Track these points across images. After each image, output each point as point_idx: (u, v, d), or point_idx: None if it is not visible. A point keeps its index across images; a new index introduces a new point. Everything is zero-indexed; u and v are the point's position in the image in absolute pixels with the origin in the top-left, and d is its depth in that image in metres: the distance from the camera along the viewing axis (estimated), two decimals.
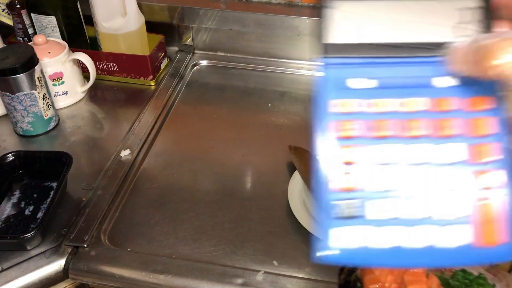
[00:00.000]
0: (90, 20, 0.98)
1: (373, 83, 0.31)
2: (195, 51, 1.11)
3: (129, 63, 0.99)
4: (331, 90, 0.31)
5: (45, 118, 0.88)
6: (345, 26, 0.32)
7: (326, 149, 0.30)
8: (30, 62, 0.81)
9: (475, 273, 0.53)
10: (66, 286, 0.69)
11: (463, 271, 0.53)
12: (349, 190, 0.30)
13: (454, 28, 0.31)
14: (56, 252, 0.67)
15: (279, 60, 1.07)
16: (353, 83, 0.31)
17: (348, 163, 0.30)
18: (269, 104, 0.97)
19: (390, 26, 0.31)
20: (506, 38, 0.25)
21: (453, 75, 0.30)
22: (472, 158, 0.30)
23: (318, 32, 0.32)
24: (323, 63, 0.32)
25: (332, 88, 0.31)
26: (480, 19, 0.30)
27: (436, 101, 0.30)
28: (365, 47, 0.32)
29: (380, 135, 0.30)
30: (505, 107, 0.28)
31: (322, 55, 0.32)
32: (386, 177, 0.30)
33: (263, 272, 0.64)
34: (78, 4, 0.97)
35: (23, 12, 0.95)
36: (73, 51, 0.93)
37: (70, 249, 0.68)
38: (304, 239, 0.69)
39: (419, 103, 0.30)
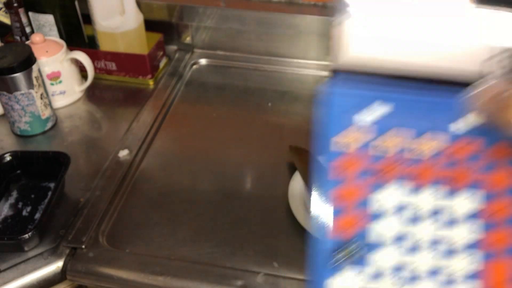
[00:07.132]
0: (88, 18, 0.97)
1: (384, 119, 0.27)
2: (194, 50, 1.10)
3: (128, 62, 0.98)
4: (337, 124, 0.27)
5: (43, 117, 0.87)
6: (362, 43, 0.26)
7: (325, 193, 0.27)
8: (27, 61, 0.81)
9: None
10: (64, 287, 0.68)
11: None
12: (347, 238, 0.27)
13: (484, 62, 0.26)
14: (54, 253, 0.67)
15: (279, 59, 1.06)
16: (362, 117, 0.27)
17: (347, 208, 0.27)
18: (269, 104, 0.96)
19: (414, 48, 0.26)
20: None
21: (474, 119, 0.27)
22: (486, 213, 0.27)
23: (329, 47, 0.27)
24: (332, 91, 0.27)
25: (338, 121, 0.27)
26: None
27: (452, 147, 0.27)
28: (381, 74, 0.27)
29: (383, 180, 0.27)
30: None
31: (331, 81, 0.27)
32: (388, 227, 0.27)
33: (263, 274, 0.64)
34: (76, 2, 0.97)
35: (21, 11, 0.94)
36: (71, 50, 0.92)
37: (68, 250, 0.67)
38: (304, 240, 0.68)
39: (432, 147, 0.26)
